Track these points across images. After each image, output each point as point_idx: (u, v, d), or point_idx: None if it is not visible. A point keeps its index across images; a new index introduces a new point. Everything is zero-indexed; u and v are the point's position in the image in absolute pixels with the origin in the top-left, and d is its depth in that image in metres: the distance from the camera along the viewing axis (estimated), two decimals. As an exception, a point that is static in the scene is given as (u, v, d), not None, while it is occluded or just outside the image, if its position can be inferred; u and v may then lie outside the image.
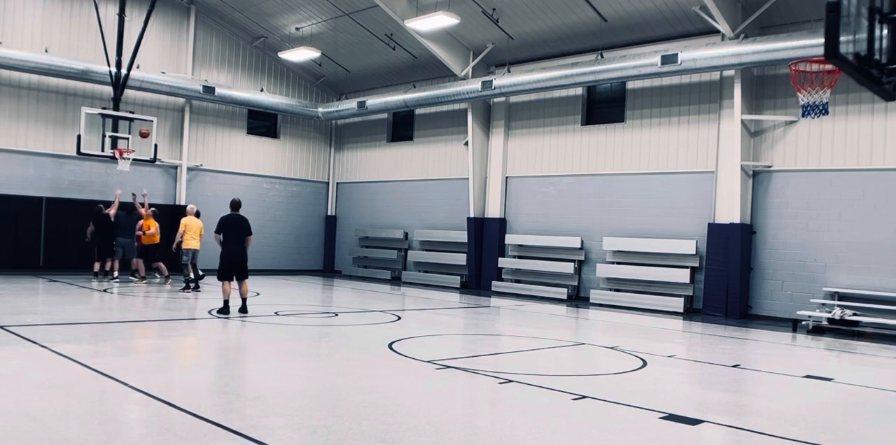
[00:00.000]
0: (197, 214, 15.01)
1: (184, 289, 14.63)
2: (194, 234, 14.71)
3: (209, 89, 19.83)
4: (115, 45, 17.08)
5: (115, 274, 16.05)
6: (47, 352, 7.42)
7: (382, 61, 20.66)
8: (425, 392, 6.41)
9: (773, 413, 6.06)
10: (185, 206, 16.37)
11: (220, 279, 11.11)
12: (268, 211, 22.20)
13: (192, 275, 14.71)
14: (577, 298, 16.82)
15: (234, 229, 11.11)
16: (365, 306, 13.60)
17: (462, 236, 19.13)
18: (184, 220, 14.74)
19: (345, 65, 21.61)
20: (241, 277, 11.16)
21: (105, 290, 14.25)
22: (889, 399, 7.10)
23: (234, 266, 11.08)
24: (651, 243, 15.34)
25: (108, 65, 17.20)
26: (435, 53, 18.07)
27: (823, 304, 12.71)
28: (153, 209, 16.33)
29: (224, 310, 10.99)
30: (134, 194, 16.86)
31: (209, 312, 11.35)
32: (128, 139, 17.05)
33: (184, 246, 14.57)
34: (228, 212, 11.32)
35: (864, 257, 12.73)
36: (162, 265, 16.21)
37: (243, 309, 11.06)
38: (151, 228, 15.82)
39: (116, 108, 17.02)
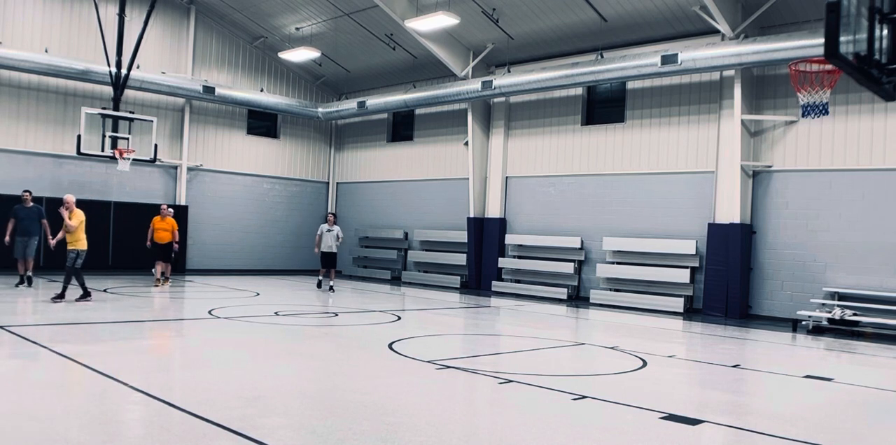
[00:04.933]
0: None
1: (83, 297, 12.13)
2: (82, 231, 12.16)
3: (209, 89, 19.84)
4: (115, 45, 17.07)
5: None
6: (47, 352, 7.42)
7: (382, 61, 20.66)
8: (425, 392, 6.41)
9: (773, 413, 6.06)
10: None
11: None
12: (268, 211, 22.21)
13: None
14: (577, 298, 16.82)
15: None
16: (365, 306, 13.60)
17: (462, 236, 19.13)
18: (80, 215, 12.16)
19: (345, 65, 21.61)
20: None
21: (105, 290, 14.25)
22: (889, 399, 7.10)
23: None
24: (651, 243, 15.34)
25: (108, 65, 17.20)
26: (435, 53, 18.07)
27: (823, 304, 12.71)
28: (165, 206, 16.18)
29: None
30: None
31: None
32: (128, 139, 17.04)
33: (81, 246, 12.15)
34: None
35: (864, 257, 12.73)
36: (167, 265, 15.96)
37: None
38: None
39: (116, 108, 17.02)
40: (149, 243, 15.62)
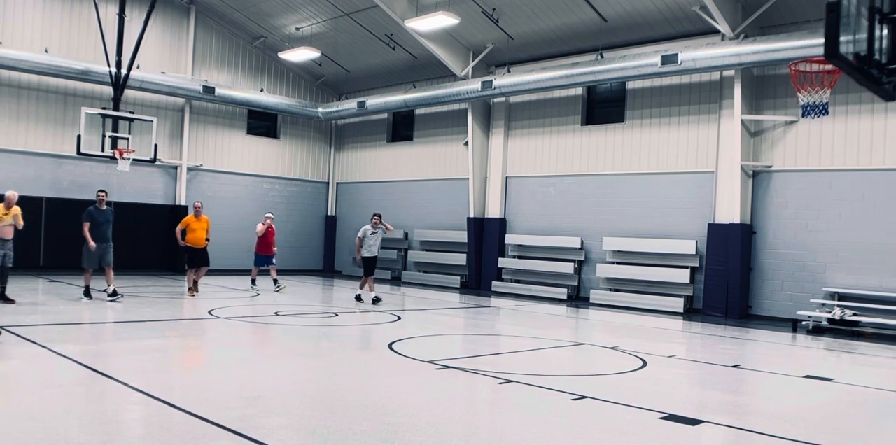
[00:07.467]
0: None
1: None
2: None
3: (209, 89, 19.83)
4: (115, 45, 17.08)
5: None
6: (47, 352, 7.42)
7: (382, 61, 20.66)
8: (425, 392, 6.41)
9: (773, 413, 6.06)
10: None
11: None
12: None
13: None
14: (577, 298, 16.82)
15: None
16: (365, 306, 13.59)
17: (462, 236, 19.13)
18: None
19: (345, 65, 21.61)
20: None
21: (105, 290, 14.23)
22: (889, 399, 7.10)
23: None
24: (651, 243, 15.34)
25: (108, 65, 17.20)
26: (435, 53, 18.07)
27: (823, 304, 12.70)
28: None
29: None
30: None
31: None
32: (128, 139, 17.04)
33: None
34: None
35: (864, 257, 12.73)
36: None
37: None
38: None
39: (116, 108, 17.02)
40: (182, 243, 13.79)
